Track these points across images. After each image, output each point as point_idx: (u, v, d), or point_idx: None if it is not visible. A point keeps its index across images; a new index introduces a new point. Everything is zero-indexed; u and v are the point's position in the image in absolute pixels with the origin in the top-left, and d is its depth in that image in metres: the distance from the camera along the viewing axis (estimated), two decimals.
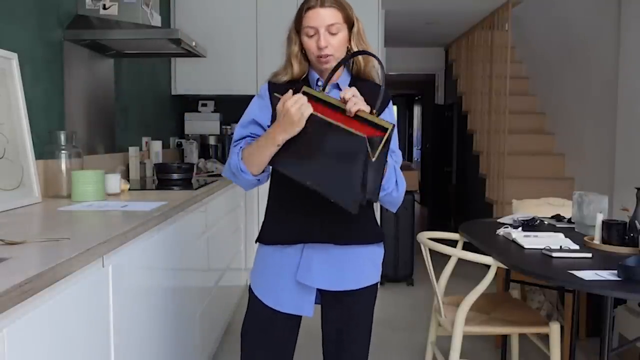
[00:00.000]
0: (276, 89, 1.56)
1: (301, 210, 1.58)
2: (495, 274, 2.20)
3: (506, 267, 2.11)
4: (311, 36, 1.55)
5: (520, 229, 2.52)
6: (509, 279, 2.89)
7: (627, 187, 3.44)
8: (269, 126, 1.54)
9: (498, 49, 5.23)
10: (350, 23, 1.58)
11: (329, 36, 1.54)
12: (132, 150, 3.20)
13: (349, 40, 1.58)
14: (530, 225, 2.61)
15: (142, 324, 1.74)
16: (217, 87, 4.34)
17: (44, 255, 1.20)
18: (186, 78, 4.35)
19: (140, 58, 3.51)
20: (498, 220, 2.79)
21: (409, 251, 4.62)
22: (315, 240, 1.59)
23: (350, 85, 1.59)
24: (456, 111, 6.68)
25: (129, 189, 2.59)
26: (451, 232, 2.72)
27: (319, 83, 1.61)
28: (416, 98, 11.57)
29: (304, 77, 1.63)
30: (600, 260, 2.01)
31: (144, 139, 3.65)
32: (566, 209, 3.15)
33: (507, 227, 2.55)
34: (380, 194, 1.49)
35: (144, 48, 2.97)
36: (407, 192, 4.64)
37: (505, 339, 2.88)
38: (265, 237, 1.66)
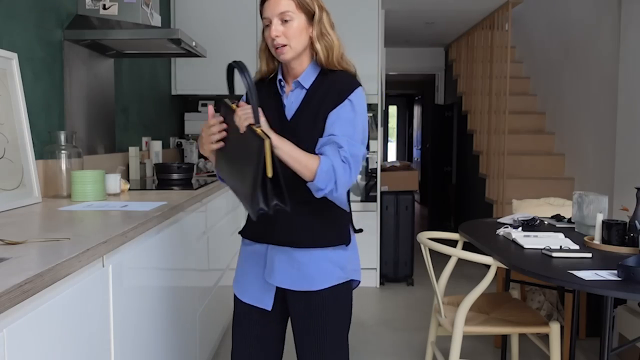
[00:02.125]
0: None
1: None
2: (495, 274, 2.20)
3: (506, 267, 2.11)
4: (267, 27, 1.54)
5: (520, 229, 2.52)
6: (509, 279, 2.89)
7: (627, 187, 3.44)
8: None
9: (498, 49, 5.23)
10: (307, 11, 1.54)
11: (280, 25, 1.52)
12: (132, 150, 3.20)
13: (312, 29, 1.56)
14: (530, 225, 2.61)
15: (142, 324, 1.74)
16: (217, 87, 4.34)
17: (44, 255, 1.20)
18: (186, 78, 4.35)
19: (140, 58, 3.51)
20: (498, 220, 2.79)
21: (409, 251, 4.62)
22: (276, 242, 1.62)
23: (317, 79, 1.58)
24: (456, 111, 6.68)
25: (129, 189, 2.59)
26: (451, 232, 2.72)
27: (282, 84, 1.63)
28: (416, 98, 11.56)
29: (273, 75, 1.64)
30: (600, 260, 2.01)
31: (144, 139, 3.65)
32: (566, 209, 3.15)
33: (507, 227, 2.55)
34: (318, 193, 1.48)
35: (144, 48, 2.97)
36: (407, 192, 4.64)
37: (505, 339, 2.88)
38: (242, 230, 1.74)
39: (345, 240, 1.64)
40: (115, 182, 2.35)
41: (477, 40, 5.90)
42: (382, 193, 4.55)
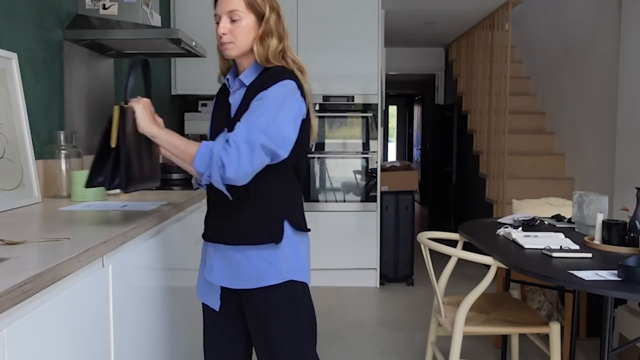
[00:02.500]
0: (217, 92, 1.73)
1: (209, 207, 1.70)
2: (495, 274, 2.20)
3: (506, 267, 2.11)
4: (217, 23, 1.57)
5: (520, 229, 2.51)
6: (509, 279, 2.89)
7: (627, 187, 3.44)
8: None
9: (498, 49, 5.23)
10: (257, 11, 1.55)
11: (229, 23, 1.54)
12: None
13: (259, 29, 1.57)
14: (531, 225, 2.61)
15: (142, 324, 1.74)
16: (217, 87, 4.33)
17: (44, 255, 1.20)
18: (186, 78, 4.35)
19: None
20: (498, 220, 2.79)
21: (409, 251, 4.62)
22: (211, 239, 1.66)
23: (258, 76, 1.58)
24: (456, 111, 6.68)
25: None
26: (451, 232, 2.72)
27: (229, 83, 1.66)
28: (416, 98, 11.56)
29: (227, 71, 1.68)
30: (601, 260, 2.01)
31: None
32: (566, 209, 3.15)
33: (507, 227, 2.55)
34: (202, 179, 1.48)
35: (143, 48, 2.97)
36: (407, 192, 4.64)
37: (505, 339, 2.88)
38: None
39: (275, 238, 1.58)
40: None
41: (477, 40, 5.90)
42: (382, 193, 4.55)
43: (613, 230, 2.18)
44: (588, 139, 4.52)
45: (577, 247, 2.15)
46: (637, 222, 2.11)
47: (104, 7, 2.66)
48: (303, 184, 1.72)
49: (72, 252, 1.22)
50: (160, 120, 1.59)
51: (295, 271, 1.63)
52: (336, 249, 4.46)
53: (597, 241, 2.24)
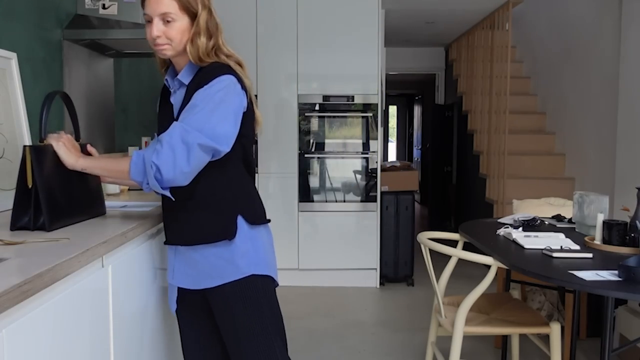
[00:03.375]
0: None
1: (163, 211, 1.68)
2: (496, 274, 2.19)
3: (506, 267, 2.11)
4: (148, 22, 1.53)
5: (520, 229, 2.51)
6: (509, 279, 2.89)
7: (627, 187, 3.43)
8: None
9: (498, 49, 5.23)
10: (190, 12, 1.52)
11: (162, 25, 1.51)
12: (132, 150, 3.20)
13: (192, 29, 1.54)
14: (531, 225, 2.60)
15: (141, 323, 1.74)
16: None
17: (44, 256, 1.20)
18: None
19: (140, 58, 3.51)
20: (498, 220, 2.79)
21: (409, 251, 4.62)
22: (169, 242, 1.66)
23: (196, 75, 1.56)
24: (456, 111, 6.68)
25: (128, 189, 2.58)
26: (451, 232, 2.71)
27: (168, 83, 1.64)
28: (416, 98, 11.56)
29: (165, 69, 1.66)
30: (601, 261, 2.00)
31: (144, 139, 3.64)
32: (567, 209, 3.15)
33: (507, 227, 2.55)
34: (145, 187, 1.47)
35: (143, 48, 2.96)
36: (407, 192, 4.64)
37: (505, 339, 2.88)
38: None
39: (229, 234, 1.56)
40: None
41: (478, 40, 5.90)
42: (382, 193, 4.54)
43: (613, 230, 2.18)
44: (588, 139, 4.51)
45: (577, 247, 2.15)
46: (637, 222, 2.11)
47: (104, 7, 2.66)
48: (254, 176, 1.71)
49: (71, 252, 1.22)
50: (92, 149, 1.65)
51: (256, 265, 1.60)
52: (336, 249, 4.46)
53: (598, 241, 2.23)
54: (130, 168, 1.45)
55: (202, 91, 1.49)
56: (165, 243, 1.68)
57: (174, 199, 1.51)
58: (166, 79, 1.65)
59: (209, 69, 1.53)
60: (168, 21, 1.51)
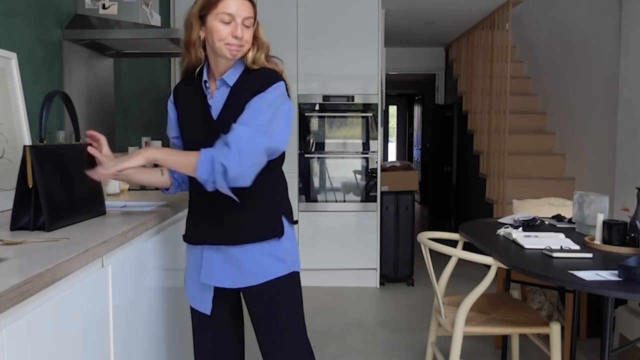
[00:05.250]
0: (177, 92, 1.72)
1: (199, 211, 1.68)
2: (496, 274, 2.19)
3: (506, 267, 2.11)
4: (226, 23, 1.55)
5: (520, 229, 2.51)
6: (509, 279, 2.89)
7: (627, 187, 3.43)
8: (176, 137, 1.76)
9: (498, 49, 5.23)
10: (255, 17, 1.60)
11: (243, 28, 1.56)
12: (132, 150, 3.20)
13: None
14: (531, 225, 2.60)
15: (141, 324, 1.74)
16: None
17: (44, 256, 1.20)
18: None
19: (140, 58, 3.51)
20: (498, 220, 2.79)
21: (409, 251, 4.62)
22: (210, 242, 1.64)
23: (241, 77, 1.61)
24: (456, 111, 6.68)
25: (129, 189, 2.58)
26: (451, 232, 2.71)
27: (207, 84, 1.64)
28: (416, 98, 11.56)
29: (198, 70, 1.65)
30: (601, 261, 2.00)
31: (144, 139, 3.64)
32: (567, 209, 3.15)
33: (507, 227, 2.55)
34: (207, 186, 1.48)
35: (143, 48, 2.97)
36: (407, 192, 4.64)
37: (505, 339, 2.88)
38: (184, 234, 1.76)
39: (279, 233, 1.63)
40: (114, 182, 2.35)
41: (478, 40, 5.90)
42: (382, 193, 4.54)
43: (613, 230, 2.18)
44: (588, 139, 4.51)
45: (577, 247, 2.15)
46: (637, 222, 2.11)
47: (104, 7, 2.66)
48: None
49: (71, 252, 1.22)
50: (94, 133, 1.69)
51: (295, 262, 1.70)
52: (336, 249, 4.45)
53: (598, 241, 2.23)
54: (197, 165, 1.46)
55: (264, 95, 1.54)
56: (202, 243, 1.65)
57: (238, 200, 1.52)
58: (205, 80, 1.64)
59: (265, 74, 1.59)
60: (247, 26, 1.56)
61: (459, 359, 2.22)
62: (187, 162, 1.50)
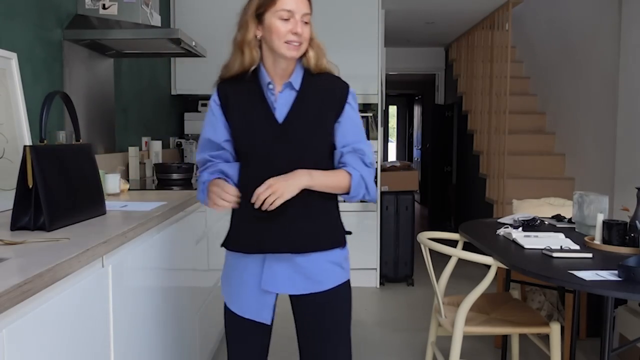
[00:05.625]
0: (225, 92, 1.61)
1: (258, 220, 1.57)
2: (496, 274, 2.20)
3: (506, 267, 2.11)
4: (285, 20, 1.51)
5: (520, 229, 2.51)
6: (509, 279, 2.89)
7: (627, 187, 3.44)
8: (226, 141, 1.62)
9: (498, 49, 5.23)
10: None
11: (302, 24, 1.53)
12: (132, 150, 3.20)
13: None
14: (531, 225, 2.60)
15: (142, 324, 1.74)
16: None
17: (44, 255, 1.20)
18: (186, 78, 4.34)
19: (140, 58, 3.51)
20: (498, 220, 2.79)
21: (409, 251, 4.62)
22: (275, 250, 1.59)
23: (304, 80, 1.58)
24: (456, 111, 6.68)
25: (129, 189, 2.58)
26: (451, 232, 2.72)
27: (270, 86, 1.58)
28: (416, 98, 11.56)
29: (253, 70, 1.58)
30: (601, 261, 2.01)
31: (144, 139, 3.64)
32: (566, 209, 3.15)
33: (507, 227, 2.55)
34: (352, 200, 1.64)
35: (143, 48, 2.97)
36: (407, 192, 4.64)
37: (505, 339, 2.88)
38: (229, 243, 1.67)
39: (342, 242, 1.68)
40: (114, 182, 2.35)
41: (477, 40, 5.90)
42: (382, 193, 4.54)
43: (613, 230, 2.18)
44: (588, 139, 4.52)
45: (577, 247, 2.15)
46: (637, 222, 2.11)
47: (104, 7, 2.66)
48: None
49: (71, 252, 1.22)
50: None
51: (349, 270, 1.73)
52: None
53: (598, 241, 2.23)
54: (351, 187, 1.59)
55: (354, 107, 1.63)
56: (266, 251, 1.59)
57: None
58: (269, 82, 1.58)
59: (334, 81, 1.62)
60: (305, 22, 1.54)
61: (458, 358, 2.22)
62: (339, 184, 1.58)
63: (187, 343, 2.29)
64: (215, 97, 1.65)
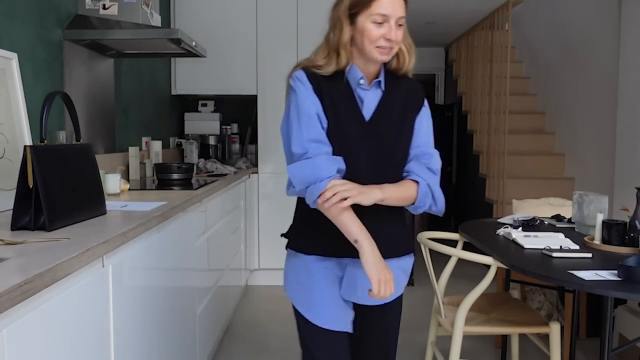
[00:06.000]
0: (316, 81, 1.48)
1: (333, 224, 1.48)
2: (495, 274, 2.20)
3: (506, 267, 2.11)
4: (379, 24, 1.43)
5: (520, 229, 2.51)
6: (509, 279, 2.89)
7: (627, 186, 3.44)
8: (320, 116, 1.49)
9: (498, 49, 5.23)
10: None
11: (397, 28, 1.45)
12: (132, 150, 3.20)
13: None
14: (531, 225, 2.61)
15: (142, 324, 1.74)
16: (217, 87, 4.34)
17: (44, 255, 1.20)
18: (186, 78, 4.35)
19: (140, 58, 3.51)
20: (498, 220, 2.79)
21: None
22: (355, 255, 1.46)
23: (386, 81, 1.54)
24: (456, 111, 6.68)
25: (129, 189, 2.59)
26: (451, 232, 2.72)
27: (361, 82, 1.52)
28: None
29: (344, 69, 1.51)
30: (601, 260, 2.01)
31: (144, 139, 3.64)
32: (566, 209, 3.15)
33: (507, 227, 2.55)
34: (417, 210, 1.56)
35: (144, 48, 2.97)
36: None
37: (505, 339, 2.88)
38: (304, 246, 1.57)
39: (413, 248, 1.66)
40: (115, 182, 2.35)
41: (477, 40, 5.90)
42: None
43: (613, 230, 2.18)
44: (588, 139, 4.52)
45: (577, 247, 2.15)
46: (637, 222, 2.11)
47: (104, 7, 2.66)
48: None
49: (71, 252, 1.22)
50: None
51: None
52: None
53: (597, 241, 2.24)
54: (417, 198, 1.52)
55: (425, 110, 1.62)
56: (353, 257, 1.49)
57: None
58: (361, 77, 1.51)
59: (415, 87, 1.60)
60: (400, 25, 1.46)
61: (458, 358, 2.22)
62: (408, 195, 1.51)
63: (187, 343, 2.29)
64: (304, 80, 1.49)
